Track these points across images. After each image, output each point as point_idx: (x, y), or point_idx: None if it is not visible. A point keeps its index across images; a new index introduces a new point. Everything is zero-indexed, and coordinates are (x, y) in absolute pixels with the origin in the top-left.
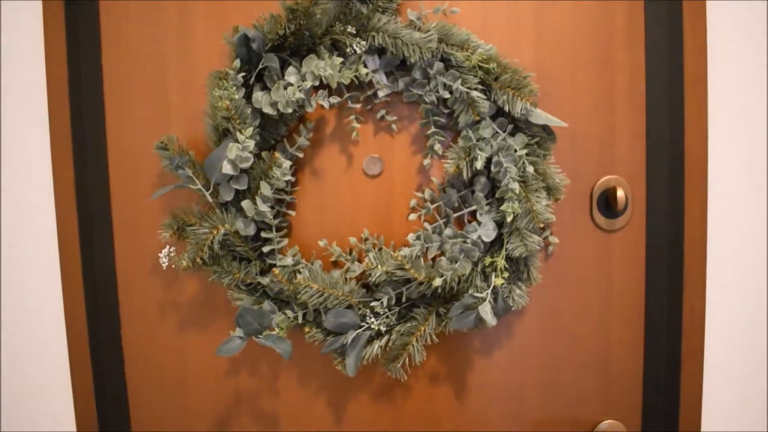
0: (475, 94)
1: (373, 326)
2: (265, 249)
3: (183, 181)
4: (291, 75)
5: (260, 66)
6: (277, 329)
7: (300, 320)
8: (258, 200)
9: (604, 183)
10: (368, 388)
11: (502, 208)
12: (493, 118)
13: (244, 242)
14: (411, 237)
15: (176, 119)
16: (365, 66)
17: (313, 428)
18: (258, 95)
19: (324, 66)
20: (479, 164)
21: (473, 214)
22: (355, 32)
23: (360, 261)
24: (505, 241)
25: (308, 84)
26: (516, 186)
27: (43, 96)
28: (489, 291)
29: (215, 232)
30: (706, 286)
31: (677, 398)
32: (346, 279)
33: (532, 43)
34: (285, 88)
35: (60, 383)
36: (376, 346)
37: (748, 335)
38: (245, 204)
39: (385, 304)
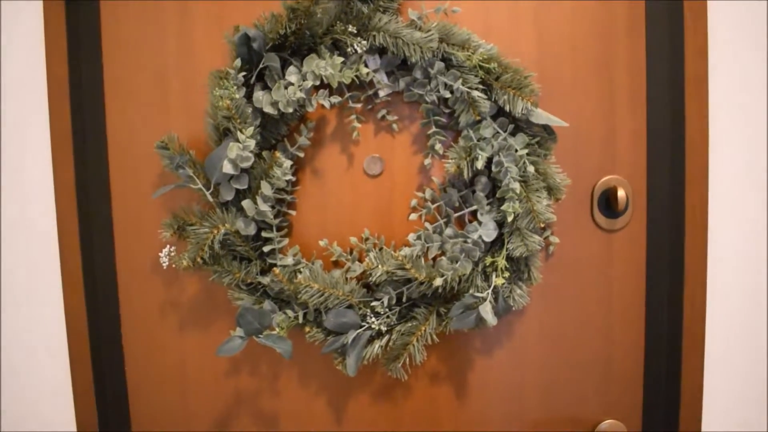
0: (475, 93)
1: (373, 326)
2: (266, 248)
3: (183, 181)
4: (292, 74)
5: (261, 65)
6: (277, 329)
7: (300, 320)
8: (258, 200)
9: (605, 183)
10: (369, 388)
11: (502, 207)
12: (494, 117)
13: (245, 242)
14: (411, 237)
15: (177, 118)
16: (366, 65)
17: (314, 428)
18: (259, 95)
19: (325, 65)
20: (480, 164)
21: (474, 213)
22: (356, 32)
23: (360, 261)
24: (506, 241)
25: (309, 83)
26: (517, 186)
27: (44, 95)
28: (489, 291)
29: (216, 231)
30: (706, 286)
31: (677, 398)
32: (346, 279)
33: (533, 43)
34: (286, 88)
35: (60, 383)
36: (377, 345)
37: (748, 335)
38: (246, 203)
39: (385, 303)
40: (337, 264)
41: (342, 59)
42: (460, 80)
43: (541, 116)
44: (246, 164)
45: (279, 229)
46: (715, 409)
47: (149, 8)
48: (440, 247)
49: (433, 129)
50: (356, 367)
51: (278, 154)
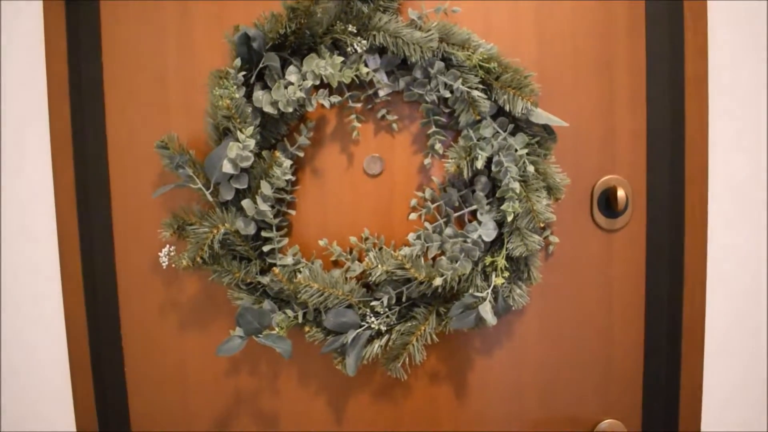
0: (475, 93)
1: (373, 326)
2: (266, 248)
3: (183, 180)
4: (292, 74)
5: (261, 65)
6: (277, 328)
7: (300, 319)
8: (258, 199)
9: (605, 183)
10: (368, 388)
11: (502, 207)
12: (494, 117)
13: (245, 241)
14: (411, 236)
15: (176, 118)
16: (366, 65)
17: (313, 428)
18: (258, 94)
19: (325, 65)
20: (480, 164)
21: (474, 213)
22: (356, 31)
23: (360, 260)
24: (506, 241)
25: (309, 83)
26: (516, 185)
27: (44, 95)
28: (489, 290)
29: (215, 231)
30: (706, 285)
31: (677, 398)
32: (346, 278)
33: (533, 43)
34: (286, 87)
35: (60, 383)
36: (376, 345)
37: (748, 335)
38: (245, 203)
39: (385, 303)
40: (336, 264)
41: (342, 59)
42: (460, 80)
43: (541, 116)
44: (246, 164)
45: (279, 228)
46: (714, 409)
47: (149, 8)
48: (440, 246)
49: (433, 129)
50: (356, 367)
51: (278, 153)
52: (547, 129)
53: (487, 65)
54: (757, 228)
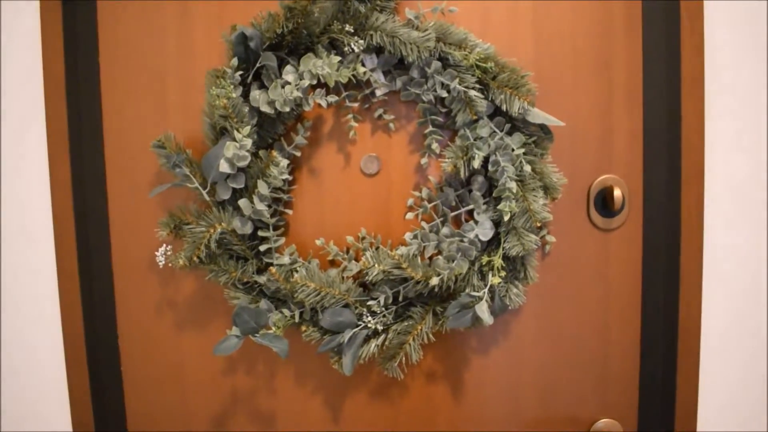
0: (472, 93)
1: (369, 325)
2: (262, 248)
3: (180, 180)
4: (289, 74)
5: (258, 64)
6: (273, 328)
7: (297, 319)
8: (255, 199)
9: (601, 182)
10: (365, 387)
11: (499, 207)
12: (491, 117)
13: (241, 241)
14: (408, 236)
15: (173, 117)
16: (363, 65)
17: (310, 427)
18: (255, 94)
19: (322, 65)
20: (476, 163)
21: (470, 213)
22: (353, 31)
23: (357, 260)
24: (502, 240)
25: (306, 83)
26: (513, 185)
27: (40, 94)
28: (486, 290)
29: (212, 230)
30: (702, 285)
31: (673, 397)
32: (343, 278)
33: (530, 43)
34: (282, 87)
35: (56, 383)
36: (373, 345)
37: (744, 335)
38: (242, 203)
39: (381, 302)
40: (333, 263)
41: (339, 58)
42: (457, 79)
43: (538, 116)
44: (243, 163)
45: (275, 228)
46: (710, 408)
47: (147, 7)
48: (437, 246)
49: (430, 128)
50: (352, 367)
51: (275, 153)
52: (543, 129)
53: (484, 65)
54: (757, 228)
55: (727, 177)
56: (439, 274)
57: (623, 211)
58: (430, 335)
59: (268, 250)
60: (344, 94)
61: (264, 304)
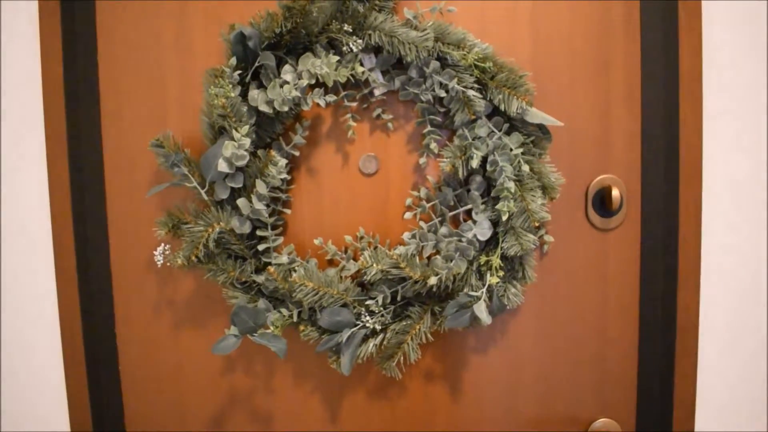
0: (471, 93)
1: (368, 325)
2: (261, 247)
3: (178, 179)
4: (287, 73)
5: (256, 64)
6: (272, 327)
7: (295, 318)
8: (254, 198)
9: (600, 182)
10: (363, 387)
11: (497, 206)
12: (489, 117)
13: (240, 240)
14: (406, 235)
15: (172, 117)
16: (361, 64)
17: (309, 427)
18: (254, 93)
19: (320, 64)
20: (475, 163)
21: (469, 212)
22: (351, 30)
23: (355, 259)
24: (501, 240)
25: (304, 82)
26: (511, 185)
27: (39, 93)
28: (484, 290)
29: (210, 230)
30: (700, 285)
31: (671, 397)
32: (341, 277)
33: (529, 43)
34: (281, 86)
35: (54, 382)
36: (371, 344)
37: (742, 335)
38: (241, 202)
39: (380, 302)
40: (331, 263)
41: (337, 58)
42: (456, 79)
43: (536, 115)
44: (241, 163)
45: (274, 227)
46: (708, 408)
47: (145, 7)
48: (435, 245)
49: (429, 128)
50: (351, 366)
51: (273, 152)
52: (542, 128)
53: (482, 65)
54: (757, 228)
55: (727, 177)
56: (437, 274)
57: (621, 211)
58: (429, 335)
59: (267, 250)
60: (343, 93)
61: (262, 303)
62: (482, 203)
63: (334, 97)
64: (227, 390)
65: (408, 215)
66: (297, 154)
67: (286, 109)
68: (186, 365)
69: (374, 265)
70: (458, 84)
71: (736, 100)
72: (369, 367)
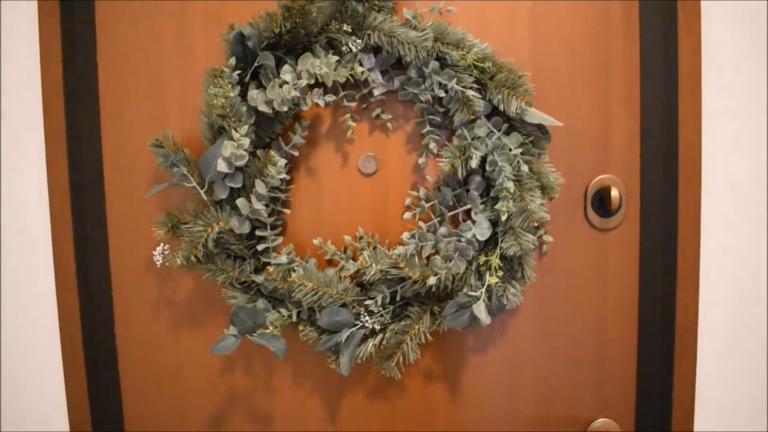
0: (470, 93)
1: (367, 325)
2: (260, 247)
3: (178, 179)
4: (286, 73)
5: (256, 64)
6: (271, 327)
7: (294, 318)
8: (253, 198)
9: (599, 182)
10: (362, 387)
11: (496, 206)
12: (488, 117)
13: (239, 240)
14: (405, 235)
15: (171, 117)
16: (361, 64)
17: (308, 427)
18: (253, 93)
19: (319, 64)
20: (474, 163)
21: (468, 212)
22: (350, 30)
23: (354, 259)
24: (500, 240)
25: (303, 82)
26: (511, 185)
27: (38, 93)
28: (483, 290)
29: (210, 230)
30: (699, 285)
31: (670, 397)
32: (340, 277)
33: (528, 43)
34: (280, 86)
35: (53, 382)
36: (371, 344)
37: (740, 335)
38: (240, 202)
39: (379, 302)
40: (331, 263)
41: (337, 58)
42: (455, 79)
43: (535, 115)
44: (240, 163)
45: (273, 227)
46: (707, 408)
47: (144, 7)
48: (434, 245)
49: (428, 128)
50: (350, 366)
51: (272, 152)
52: (541, 128)
53: (481, 65)
54: (757, 228)
55: (726, 177)
56: (436, 274)
57: (620, 211)
58: (428, 335)
59: (266, 250)
60: (342, 93)
61: (261, 303)
62: (481, 203)
63: (334, 97)
64: (226, 390)
65: (407, 215)
66: (296, 154)
67: (285, 109)
68: (185, 365)
69: (373, 265)
70: (457, 84)
71: (736, 100)
72: (368, 367)
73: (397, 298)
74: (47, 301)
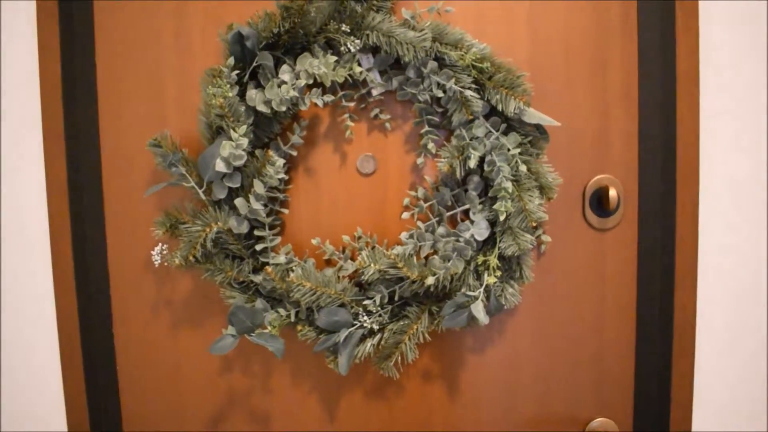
0: (468, 93)
1: (365, 324)
2: (258, 247)
3: (176, 179)
4: (285, 73)
5: (254, 64)
6: (269, 327)
7: (292, 318)
8: (251, 198)
9: (597, 182)
10: (361, 387)
11: (494, 206)
12: (487, 117)
13: (237, 240)
14: (404, 235)
15: (170, 116)
16: (359, 64)
17: (306, 427)
18: (252, 93)
19: (318, 64)
20: (472, 163)
21: (466, 212)
22: (349, 31)
23: (353, 259)
24: (498, 240)
25: (302, 82)
26: (509, 185)
27: (36, 93)
28: (481, 290)
29: (208, 229)
30: (697, 285)
31: (668, 396)
32: (339, 277)
33: (526, 43)
34: (279, 86)
35: (51, 382)
36: (369, 344)
37: (738, 334)
38: (238, 202)
39: (377, 302)
40: (329, 262)
41: (335, 58)
42: (453, 79)
43: (534, 116)
44: (239, 162)
45: (271, 227)
46: (705, 408)
47: (143, 7)
48: (432, 245)
49: (426, 128)
50: (348, 366)
51: (271, 152)
52: (539, 129)
53: (479, 65)
54: (757, 228)
55: (726, 177)
56: (434, 274)
57: (618, 211)
58: (426, 335)
59: (264, 250)
60: (340, 93)
61: (260, 303)
62: (480, 203)
63: (332, 97)
64: (225, 390)
65: (405, 215)
66: (295, 154)
67: (283, 109)
68: (184, 365)
69: (372, 265)
70: (456, 84)
71: (736, 100)
72: (366, 367)
73: (396, 298)
74: (47, 301)
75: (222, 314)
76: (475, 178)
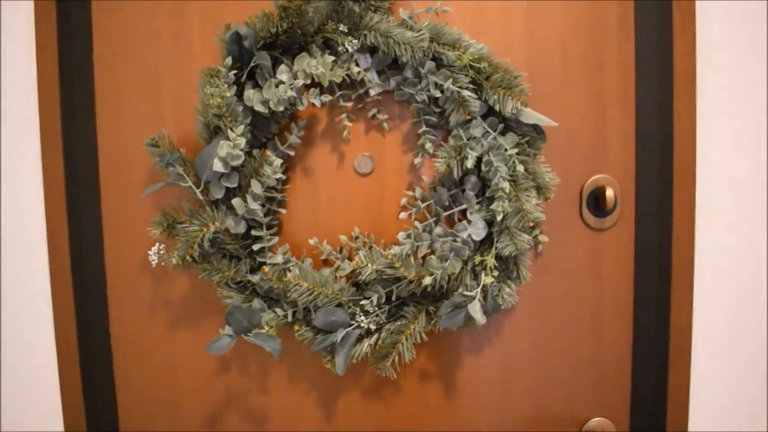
0: (466, 93)
1: (362, 324)
2: (256, 247)
3: (173, 179)
4: (283, 73)
5: (252, 64)
6: (266, 327)
7: (290, 318)
8: (249, 198)
9: (594, 182)
10: (358, 387)
11: (492, 206)
12: (484, 117)
13: (234, 240)
14: (401, 235)
15: (167, 116)
16: (357, 64)
17: (303, 427)
18: (249, 93)
19: (316, 64)
20: (470, 163)
21: (463, 212)
22: (347, 31)
23: (350, 259)
24: (495, 240)
25: (300, 82)
26: (506, 185)
27: (34, 92)
28: (479, 290)
29: (205, 229)
30: (693, 285)
31: (665, 396)
32: (336, 277)
33: (524, 43)
34: (276, 86)
35: (48, 383)
36: (366, 344)
37: (741, 335)
38: (236, 202)
39: (374, 302)
40: (326, 262)
41: (333, 58)
42: (451, 80)
43: (531, 116)
44: (236, 162)
45: (269, 227)
46: (701, 408)
47: (141, 7)
48: (430, 245)
49: (424, 128)
50: (345, 366)
51: (268, 152)
52: (536, 129)
53: (477, 65)
54: (757, 228)
55: (726, 177)
56: (432, 274)
57: (615, 211)
58: (423, 335)
59: (262, 250)
60: (338, 93)
61: (257, 303)
62: (477, 203)
63: (330, 97)
64: (222, 390)
65: (403, 215)
66: (292, 153)
67: (281, 108)
68: (180, 365)
69: (369, 265)
70: (453, 84)
71: (735, 100)
72: (364, 367)
73: (393, 298)
74: (42, 300)
75: (219, 314)
76: (473, 178)
